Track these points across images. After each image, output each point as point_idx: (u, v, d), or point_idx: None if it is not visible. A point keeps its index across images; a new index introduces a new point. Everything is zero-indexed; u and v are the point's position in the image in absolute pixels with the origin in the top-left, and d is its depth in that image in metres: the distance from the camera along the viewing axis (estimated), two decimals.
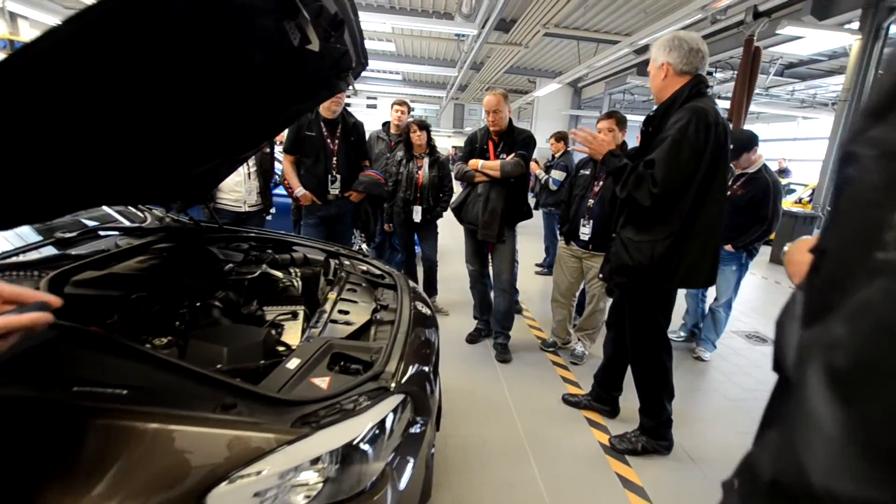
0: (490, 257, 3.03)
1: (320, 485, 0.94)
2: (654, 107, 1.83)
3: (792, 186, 9.11)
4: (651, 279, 1.80)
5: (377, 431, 1.06)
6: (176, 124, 1.31)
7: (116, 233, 1.82)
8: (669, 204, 1.71)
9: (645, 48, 9.08)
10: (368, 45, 9.57)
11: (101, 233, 1.77)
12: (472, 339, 3.19)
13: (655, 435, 2.08)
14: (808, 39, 7.09)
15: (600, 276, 2.14)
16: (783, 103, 11.52)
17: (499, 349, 3.02)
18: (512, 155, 2.71)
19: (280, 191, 4.62)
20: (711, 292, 3.30)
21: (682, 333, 3.55)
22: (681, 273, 1.77)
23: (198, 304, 1.34)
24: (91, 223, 1.94)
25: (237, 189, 2.92)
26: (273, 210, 4.68)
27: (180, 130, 1.36)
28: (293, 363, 1.13)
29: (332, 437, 0.96)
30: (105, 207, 2.21)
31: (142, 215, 2.18)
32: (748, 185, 2.91)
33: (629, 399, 2.25)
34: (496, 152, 2.80)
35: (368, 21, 6.91)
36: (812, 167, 12.47)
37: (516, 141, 2.75)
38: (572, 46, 10.07)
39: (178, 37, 0.93)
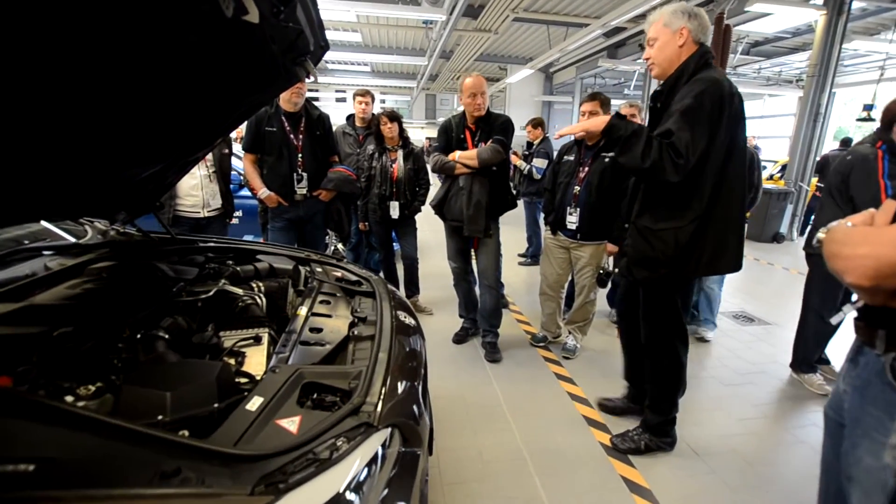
0: (474, 253, 2.88)
1: None
2: (652, 84, 1.70)
3: (763, 164, 9.27)
4: (675, 269, 1.66)
5: (362, 479, 0.89)
6: (106, 118, 1.10)
7: (48, 252, 1.58)
8: (690, 184, 1.57)
9: (615, 31, 9.04)
10: (333, 35, 9.21)
11: (27, 253, 1.53)
12: (459, 339, 3.04)
13: (659, 432, 1.98)
14: (775, 16, 7.14)
15: (615, 270, 2.00)
16: (750, 82, 11.69)
17: (488, 348, 2.88)
18: (489, 141, 2.55)
19: (246, 192, 4.37)
20: None
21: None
22: (705, 260, 1.64)
23: (139, 335, 1.13)
24: (27, 243, 1.69)
25: (194, 193, 2.66)
26: (239, 213, 4.41)
27: (111, 125, 1.15)
28: (255, 403, 0.94)
29: (306, 500, 0.78)
30: (44, 223, 1.96)
31: (81, 229, 1.93)
32: None
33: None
34: (474, 141, 2.62)
35: (331, 9, 6.58)
36: (779, 143, 12.78)
37: (493, 127, 2.58)
38: (542, 31, 9.93)
39: (93, 11, 0.73)
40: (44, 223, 1.94)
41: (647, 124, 1.74)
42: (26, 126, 0.91)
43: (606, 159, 2.53)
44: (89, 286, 1.35)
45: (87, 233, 1.89)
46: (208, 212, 2.77)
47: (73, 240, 1.81)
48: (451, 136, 2.68)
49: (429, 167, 3.40)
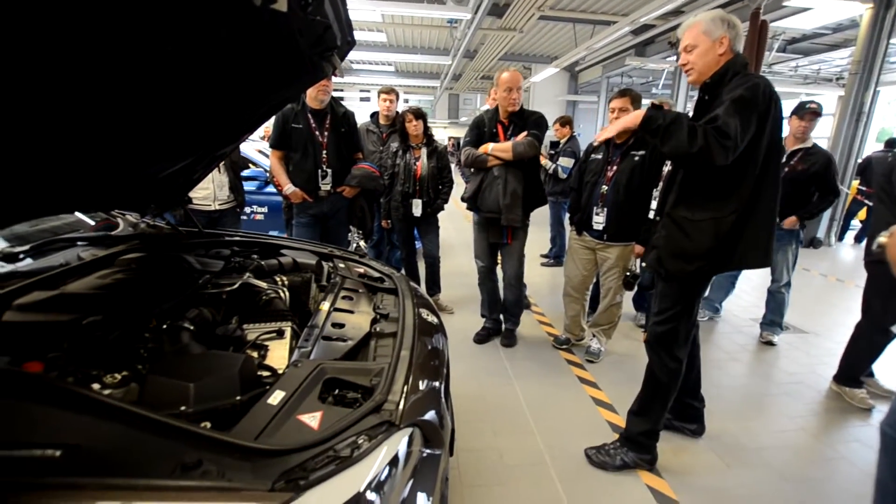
0: (501, 251, 2.87)
1: None
2: (682, 82, 1.65)
3: None
4: (710, 261, 1.61)
5: (383, 478, 0.87)
6: (139, 114, 1.11)
7: (82, 243, 1.62)
8: (733, 175, 1.53)
9: (643, 28, 8.81)
10: (359, 35, 9.25)
11: (62, 243, 1.57)
12: (481, 339, 3.01)
13: (640, 447, 1.86)
14: (816, 11, 6.82)
15: (643, 264, 1.93)
16: (786, 80, 11.23)
17: (505, 333, 2.97)
18: (523, 134, 2.54)
19: (271, 189, 4.43)
20: None
21: (708, 311, 3.58)
22: (739, 253, 1.60)
23: (164, 326, 1.14)
24: (65, 234, 1.74)
25: (204, 186, 2.71)
26: (265, 209, 4.48)
27: (145, 122, 1.16)
28: (277, 397, 0.93)
29: (326, 497, 0.76)
30: (78, 214, 2.02)
31: (113, 221, 1.98)
32: (807, 159, 2.93)
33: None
34: (506, 135, 2.62)
35: (357, 9, 6.62)
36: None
37: (527, 122, 2.59)
38: (568, 29, 9.77)
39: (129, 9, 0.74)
40: (78, 215, 2.01)
41: (692, 116, 1.69)
42: (57, 121, 0.93)
43: (636, 157, 2.45)
44: (119, 276, 1.37)
45: (119, 225, 1.93)
46: (219, 204, 2.82)
47: (96, 233, 1.86)
48: (483, 131, 2.69)
49: (453, 165, 3.38)
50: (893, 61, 10.05)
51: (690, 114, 1.72)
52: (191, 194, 2.71)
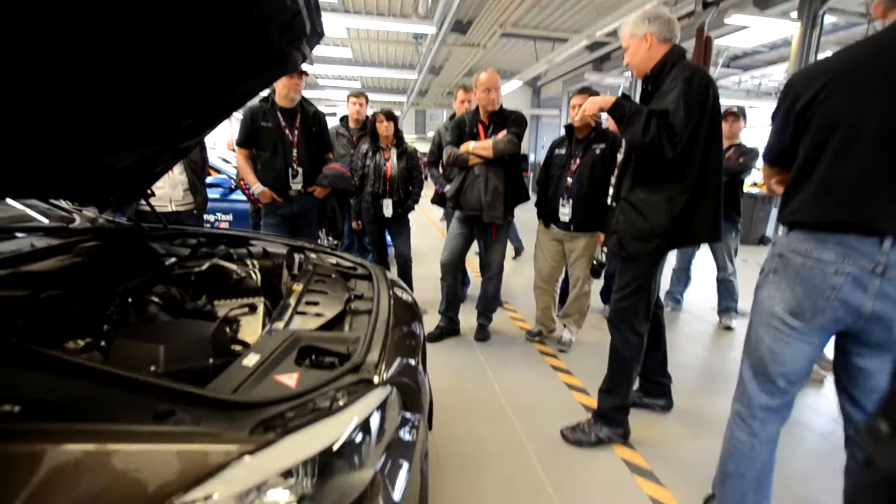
0: (485, 247, 2.97)
1: None
2: (636, 96, 1.81)
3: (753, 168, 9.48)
4: (667, 239, 1.70)
5: (362, 432, 0.86)
6: (92, 94, 1.07)
7: (39, 233, 1.53)
8: (682, 158, 1.63)
9: (598, 45, 9.30)
10: (324, 50, 9.25)
11: (10, 233, 1.48)
12: (434, 337, 2.98)
13: (612, 422, 1.93)
14: (754, 29, 7.42)
15: (604, 249, 2.01)
16: (731, 94, 12.05)
17: (479, 329, 3.01)
18: (503, 132, 2.62)
19: (237, 196, 4.34)
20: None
21: (671, 303, 3.77)
22: (692, 229, 1.71)
23: (129, 300, 1.10)
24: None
25: (159, 184, 2.63)
26: (229, 217, 4.37)
27: (99, 102, 1.12)
28: (251, 359, 0.92)
29: (304, 443, 0.75)
30: (24, 208, 1.91)
31: (69, 216, 1.89)
32: (743, 154, 3.23)
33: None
34: (487, 134, 2.70)
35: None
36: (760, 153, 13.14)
37: (507, 121, 2.67)
38: (529, 46, 10.16)
39: None
40: (29, 211, 1.89)
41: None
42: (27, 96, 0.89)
43: (597, 151, 2.57)
44: (78, 260, 1.31)
45: (76, 220, 1.85)
46: (176, 205, 2.73)
47: (51, 224, 1.77)
48: (464, 131, 2.76)
49: (444, 159, 3.43)
50: None
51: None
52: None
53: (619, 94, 1.84)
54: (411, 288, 3.54)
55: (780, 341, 1.28)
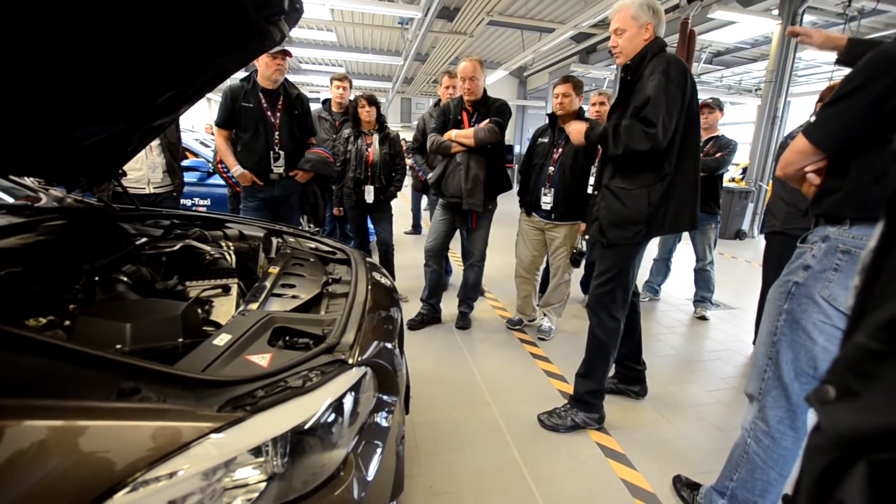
0: (468, 235, 2.97)
1: (263, 483, 0.73)
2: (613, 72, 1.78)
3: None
4: (647, 227, 1.73)
5: (335, 412, 0.86)
6: (57, 63, 1.02)
7: (0, 210, 1.47)
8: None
9: (584, 36, 9.31)
10: (308, 34, 9.02)
11: None
12: (414, 325, 2.98)
13: (588, 407, 1.97)
14: (737, 26, 7.51)
15: (586, 237, 2.04)
16: (713, 90, 12.22)
17: (460, 316, 3.04)
18: (486, 121, 2.61)
19: (214, 180, 4.23)
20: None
21: (649, 293, 3.83)
22: (670, 217, 1.74)
23: (96, 279, 1.07)
24: None
25: (136, 167, 2.57)
26: (207, 202, 4.27)
27: (64, 72, 1.07)
28: (223, 339, 0.90)
29: (275, 421, 0.75)
30: None
31: (34, 196, 1.81)
32: (721, 148, 3.28)
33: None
34: (471, 122, 2.70)
35: (306, 4, 6.49)
36: (740, 149, 13.44)
37: (490, 110, 2.67)
38: (516, 36, 10.12)
39: None
40: None
41: (617, 95, 1.82)
42: None
43: None
44: (42, 238, 1.26)
45: (42, 199, 1.78)
46: (154, 187, 2.68)
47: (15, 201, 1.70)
48: (448, 118, 2.75)
49: (409, 161, 3.40)
50: (801, 75, 11.25)
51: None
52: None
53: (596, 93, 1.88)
54: (393, 276, 3.53)
55: (837, 339, 1.19)
